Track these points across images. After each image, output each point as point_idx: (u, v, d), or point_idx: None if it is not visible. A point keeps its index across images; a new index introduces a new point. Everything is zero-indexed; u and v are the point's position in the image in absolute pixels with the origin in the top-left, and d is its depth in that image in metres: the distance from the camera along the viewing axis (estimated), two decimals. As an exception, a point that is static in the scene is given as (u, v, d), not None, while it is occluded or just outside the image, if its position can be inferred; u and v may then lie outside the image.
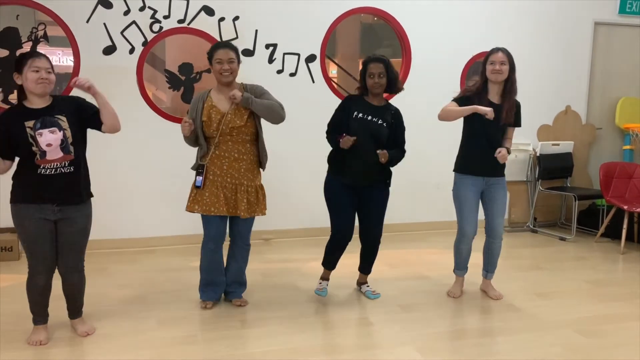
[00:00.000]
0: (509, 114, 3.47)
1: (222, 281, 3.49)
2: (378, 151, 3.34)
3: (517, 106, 3.57)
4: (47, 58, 2.77)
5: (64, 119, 2.79)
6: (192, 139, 3.32)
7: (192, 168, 3.38)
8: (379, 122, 3.40)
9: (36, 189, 2.76)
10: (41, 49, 4.49)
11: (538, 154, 5.71)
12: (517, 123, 3.59)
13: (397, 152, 3.47)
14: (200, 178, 3.27)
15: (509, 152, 3.51)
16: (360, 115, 3.39)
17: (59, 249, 2.88)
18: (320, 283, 3.68)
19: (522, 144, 5.70)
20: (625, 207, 4.98)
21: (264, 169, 3.45)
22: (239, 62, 3.30)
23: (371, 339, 3.16)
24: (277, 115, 3.31)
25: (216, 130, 3.25)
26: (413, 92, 5.24)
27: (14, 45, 4.48)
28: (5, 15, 4.61)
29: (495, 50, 3.50)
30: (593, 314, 3.50)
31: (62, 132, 2.76)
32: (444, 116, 3.51)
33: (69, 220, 2.85)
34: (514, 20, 5.56)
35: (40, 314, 2.98)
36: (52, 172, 2.77)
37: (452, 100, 3.56)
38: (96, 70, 4.48)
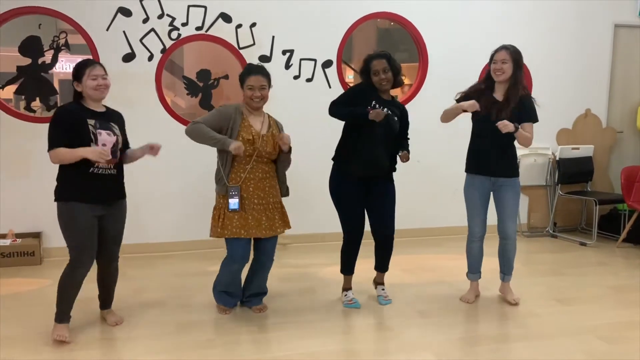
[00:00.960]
0: (503, 113, 3.38)
1: (239, 293, 3.51)
2: (400, 154, 3.42)
3: (525, 102, 3.46)
4: (102, 66, 3.06)
5: (116, 127, 3.08)
6: (210, 145, 3.23)
7: (219, 190, 3.28)
8: (392, 115, 3.41)
9: (88, 187, 2.96)
10: (62, 56, 4.57)
11: (557, 158, 5.64)
12: (531, 118, 3.48)
13: (405, 143, 3.57)
14: (235, 200, 3.19)
15: (516, 130, 3.34)
16: (377, 105, 3.37)
17: (102, 242, 3.10)
18: (345, 295, 3.65)
19: (542, 148, 5.65)
20: (648, 212, 4.89)
21: (284, 184, 3.44)
22: (269, 87, 3.29)
23: (389, 344, 3.15)
24: (285, 170, 3.46)
25: (253, 151, 3.21)
26: (430, 96, 5.25)
27: (37, 53, 4.57)
28: (27, 24, 4.71)
29: (499, 48, 3.47)
30: (615, 320, 3.44)
31: (115, 137, 3.03)
32: (443, 118, 3.59)
33: (112, 216, 3.11)
34: (532, 23, 5.52)
35: (66, 311, 3.11)
36: (102, 172, 3.00)
37: (456, 99, 3.57)
38: (116, 77, 4.52)
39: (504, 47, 3.46)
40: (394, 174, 3.60)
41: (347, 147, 3.47)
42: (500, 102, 3.45)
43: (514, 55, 3.43)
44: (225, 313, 3.44)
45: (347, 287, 3.67)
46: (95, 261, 3.12)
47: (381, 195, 3.50)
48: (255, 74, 3.24)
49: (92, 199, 2.97)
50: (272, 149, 3.28)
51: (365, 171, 3.43)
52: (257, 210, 3.25)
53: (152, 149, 3.23)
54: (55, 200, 2.99)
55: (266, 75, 3.27)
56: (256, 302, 3.54)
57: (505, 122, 3.32)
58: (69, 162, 2.91)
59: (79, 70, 2.97)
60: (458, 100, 3.55)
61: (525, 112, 3.46)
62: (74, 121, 2.92)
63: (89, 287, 3.23)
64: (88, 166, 2.93)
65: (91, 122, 2.95)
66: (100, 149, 2.90)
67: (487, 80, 3.54)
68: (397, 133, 3.49)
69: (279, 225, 3.36)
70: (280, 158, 3.37)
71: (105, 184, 3.02)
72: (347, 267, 3.63)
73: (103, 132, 2.97)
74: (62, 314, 3.08)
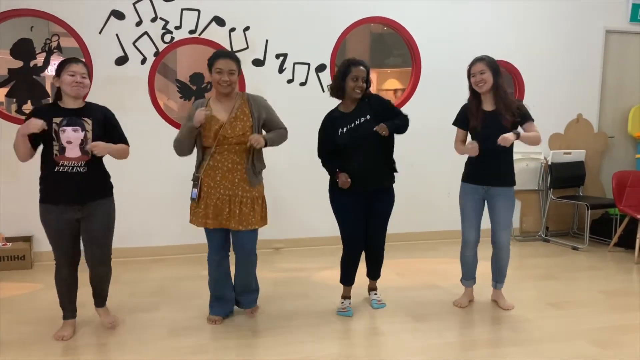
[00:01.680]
0: (508, 116, 3.42)
1: (231, 297, 3.47)
2: (375, 128, 3.28)
3: (519, 105, 3.51)
4: (85, 64, 3.01)
5: (89, 122, 2.98)
6: (189, 143, 3.22)
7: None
8: (361, 120, 3.38)
9: (54, 188, 2.93)
10: (54, 59, 4.55)
11: (550, 163, 5.67)
12: (528, 118, 3.51)
13: (398, 119, 3.42)
14: (195, 190, 3.21)
15: (516, 134, 3.36)
16: (345, 129, 3.37)
17: (83, 244, 3.08)
18: (342, 302, 3.63)
19: (534, 153, 5.68)
20: (639, 217, 4.92)
21: (257, 176, 3.29)
22: (239, 73, 3.23)
23: (382, 348, 3.14)
24: (283, 141, 3.40)
25: (213, 140, 3.17)
26: (424, 100, 5.27)
27: (28, 56, 4.55)
28: (19, 26, 4.68)
29: (473, 62, 3.50)
30: (607, 325, 3.46)
31: (84, 132, 2.94)
32: (458, 152, 3.66)
33: (90, 217, 3.02)
34: (524, 29, 5.56)
35: (67, 308, 3.14)
36: (69, 170, 2.93)
37: (453, 124, 3.65)
38: (108, 81, 4.53)
39: (478, 60, 3.49)
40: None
41: (337, 164, 3.43)
42: (498, 111, 3.46)
43: (490, 64, 3.46)
44: (215, 324, 3.38)
45: (346, 296, 3.66)
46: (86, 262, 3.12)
47: (377, 209, 3.49)
48: (224, 58, 3.18)
49: (60, 200, 2.93)
50: (242, 132, 3.17)
51: (359, 185, 3.39)
52: (221, 200, 3.20)
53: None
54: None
55: (236, 60, 3.20)
56: (249, 302, 3.50)
57: (503, 136, 3.33)
58: (20, 149, 2.90)
59: (60, 66, 2.96)
60: (458, 123, 3.63)
61: (522, 116, 3.50)
62: (37, 118, 2.87)
63: (82, 291, 3.21)
64: (53, 165, 2.91)
65: (57, 120, 2.90)
66: (32, 123, 2.81)
67: (473, 95, 3.56)
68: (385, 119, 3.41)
69: (252, 220, 3.23)
70: (256, 127, 3.26)
71: (74, 183, 2.93)
72: (347, 277, 3.62)
73: (68, 128, 2.90)
74: (64, 310, 3.14)
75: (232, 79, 3.18)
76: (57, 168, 2.92)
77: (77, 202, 2.97)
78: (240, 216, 3.21)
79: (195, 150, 3.31)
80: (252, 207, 3.25)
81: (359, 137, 3.36)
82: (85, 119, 2.97)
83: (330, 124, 3.45)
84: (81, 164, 2.94)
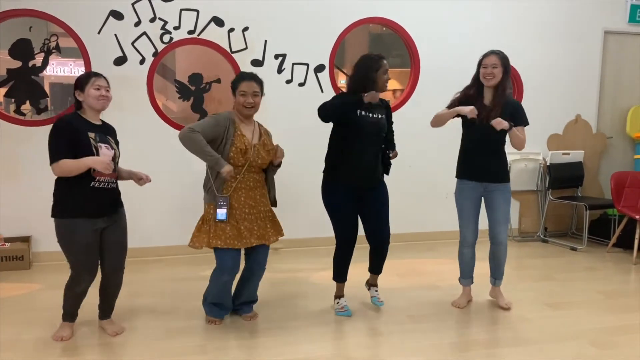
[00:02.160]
0: (492, 115, 3.42)
1: (230, 304, 3.45)
2: (390, 154, 3.45)
3: (515, 106, 3.53)
4: (105, 78, 3.03)
5: (112, 140, 3.06)
6: (202, 158, 3.15)
7: (209, 200, 3.20)
8: (379, 116, 3.42)
9: (90, 202, 2.91)
10: (53, 59, 4.54)
11: (548, 164, 5.67)
12: (524, 122, 3.54)
13: (391, 135, 3.57)
14: (223, 211, 3.12)
15: (510, 128, 3.39)
16: (364, 113, 3.36)
17: (107, 252, 3.07)
18: (337, 302, 3.62)
19: (532, 154, 5.68)
20: (637, 217, 4.93)
21: (275, 206, 3.39)
22: (262, 94, 3.25)
23: (380, 349, 3.14)
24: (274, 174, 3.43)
25: (245, 161, 3.17)
26: (422, 101, 5.27)
27: (27, 56, 4.54)
28: (18, 27, 4.68)
29: (489, 53, 3.49)
30: (606, 325, 3.46)
31: (113, 151, 3.01)
32: (434, 122, 3.57)
33: (114, 224, 3.07)
34: (523, 29, 5.56)
35: (72, 313, 3.15)
36: (103, 187, 2.96)
37: (448, 107, 3.59)
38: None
39: (494, 52, 3.48)
40: (387, 177, 3.59)
41: (336, 156, 3.42)
42: (490, 106, 3.47)
43: (503, 60, 3.46)
44: (215, 324, 3.38)
45: (339, 295, 3.65)
46: (100, 270, 3.10)
47: (375, 201, 3.48)
48: (248, 80, 3.20)
49: (94, 214, 2.93)
50: (264, 158, 3.25)
51: (358, 180, 3.39)
52: (248, 220, 3.21)
53: (140, 180, 3.18)
54: (53, 216, 2.92)
55: (259, 82, 3.24)
56: (247, 310, 3.50)
57: (499, 119, 3.35)
58: (74, 173, 2.82)
59: (83, 80, 2.94)
60: (450, 107, 3.57)
61: (519, 116, 3.51)
62: (75, 132, 2.85)
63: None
64: (89, 181, 2.88)
65: (91, 135, 2.90)
66: (106, 160, 2.86)
67: (475, 85, 3.55)
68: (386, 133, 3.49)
69: (271, 234, 3.32)
70: (269, 167, 3.35)
71: (106, 197, 2.99)
72: (340, 274, 3.60)
73: (103, 145, 2.94)
74: (66, 314, 3.14)
75: (256, 101, 3.20)
76: (93, 183, 2.90)
77: (108, 214, 3.01)
78: (264, 231, 3.27)
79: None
80: (272, 221, 3.35)
81: (373, 132, 3.38)
82: (109, 137, 3.04)
83: (350, 101, 3.33)
84: (113, 180, 3.03)
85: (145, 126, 4.65)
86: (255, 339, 3.21)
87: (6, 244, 4.50)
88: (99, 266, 3.08)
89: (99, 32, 4.57)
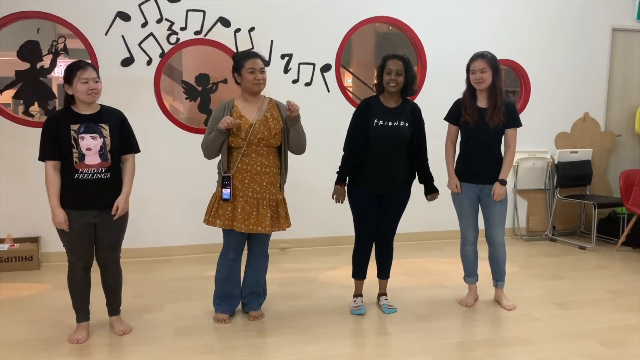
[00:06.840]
0: (495, 117, 3.44)
1: (238, 294, 3.47)
2: (427, 197, 3.58)
3: (508, 106, 3.52)
4: (94, 67, 2.97)
5: (107, 127, 2.98)
6: (218, 146, 3.17)
7: (218, 180, 3.27)
8: (400, 124, 3.36)
9: (75, 194, 2.93)
10: (61, 61, 4.57)
11: (556, 162, 5.64)
12: (515, 123, 3.55)
13: (421, 151, 3.51)
14: (227, 190, 3.16)
15: (503, 183, 3.49)
16: (381, 122, 3.34)
17: (97, 246, 3.08)
18: (354, 301, 3.63)
19: (540, 152, 5.65)
20: (647, 215, 4.90)
21: (281, 189, 3.35)
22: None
23: (388, 349, 3.14)
24: (303, 144, 3.35)
25: (244, 140, 3.17)
26: (430, 100, 5.23)
27: (35, 58, 4.57)
28: (26, 28, 4.71)
29: (475, 57, 3.49)
30: (615, 324, 3.44)
31: (102, 139, 2.95)
32: (446, 155, 3.75)
33: (107, 222, 3.03)
34: (530, 27, 5.53)
35: (81, 310, 3.14)
36: (89, 177, 2.93)
37: (445, 119, 3.67)
38: (114, 82, 4.54)
39: (480, 56, 3.48)
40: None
41: (355, 162, 3.41)
42: (487, 108, 3.49)
43: (491, 62, 3.46)
44: (223, 323, 3.38)
45: (357, 294, 3.65)
46: (97, 264, 3.14)
47: (391, 205, 3.48)
48: (253, 57, 3.21)
49: (79, 206, 2.94)
50: (263, 133, 3.19)
51: (376, 187, 3.40)
52: (249, 203, 3.19)
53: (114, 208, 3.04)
54: None
55: (263, 58, 3.26)
56: (254, 305, 3.50)
57: (498, 193, 3.48)
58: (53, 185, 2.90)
59: (70, 73, 2.91)
60: (450, 118, 3.66)
61: (512, 117, 3.52)
62: (58, 130, 2.89)
63: (92, 292, 3.22)
64: (73, 173, 2.91)
65: (75, 127, 2.90)
66: (57, 220, 2.89)
67: (469, 90, 3.56)
68: (414, 135, 3.42)
69: (274, 223, 3.27)
70: (289, 134, 3.27)
71: (95, 189, 2.95)
72: (359, 271, 3.60)
73: (87, 136, 2.90)
74: (77, 313, 3.15)
75: (264, 77, 3.22)
76: (76, 175, 2.91)
77: (96, 207, 2.98)
78: (268, 219, 3.22)
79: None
80: (277, 210, 3.29)
81: (392, 140, 3.35)
82: (102, 125, 2.97)
83: (366, 108, 3.40)
84: (102, 170, 2.95)
85: (152, 127, 4.66)
86: (264, 339, 3.22)
87: (15, 244, 4.53)
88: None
89: (106, 34, 4.59)
